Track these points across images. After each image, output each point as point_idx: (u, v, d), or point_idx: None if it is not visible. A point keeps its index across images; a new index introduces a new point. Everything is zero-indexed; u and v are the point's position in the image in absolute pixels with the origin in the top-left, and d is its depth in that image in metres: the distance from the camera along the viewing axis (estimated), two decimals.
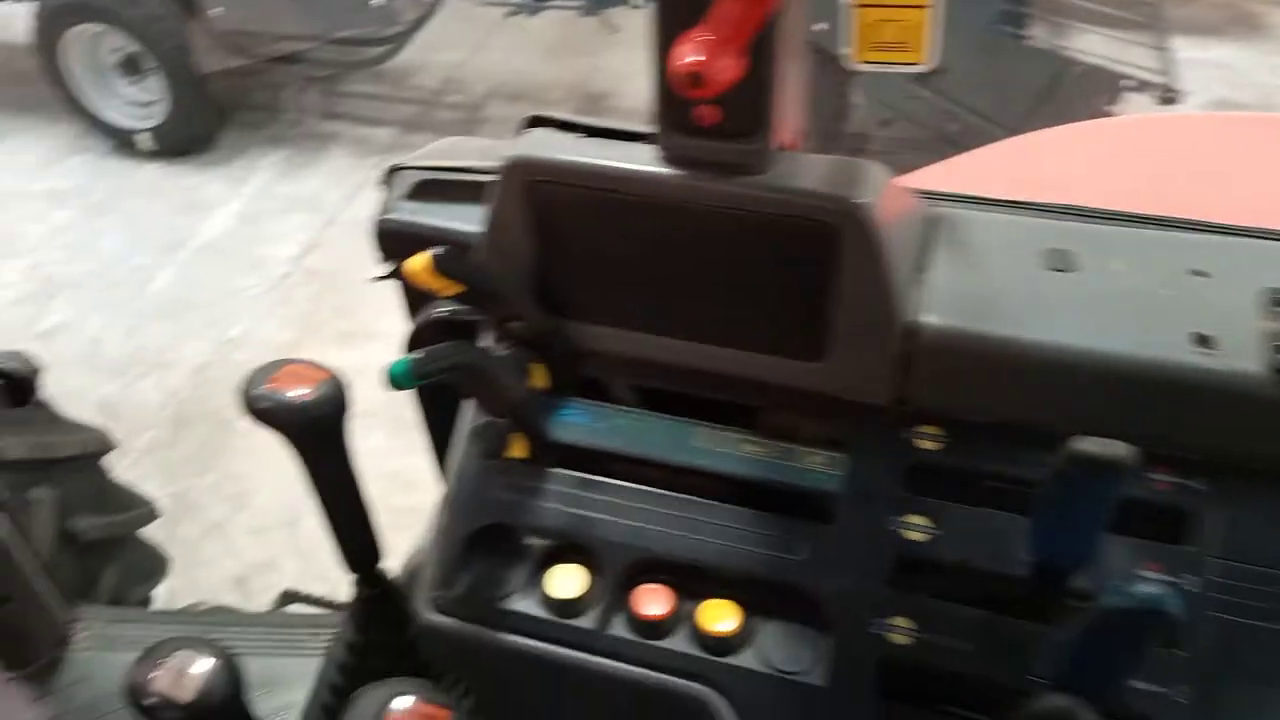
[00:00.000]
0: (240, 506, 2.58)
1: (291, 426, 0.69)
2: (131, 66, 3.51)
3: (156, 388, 2.84)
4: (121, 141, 3.60)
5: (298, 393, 0.69)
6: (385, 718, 0.55)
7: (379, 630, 0.81)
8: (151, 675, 0.64)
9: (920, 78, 2.60)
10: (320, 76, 3.65)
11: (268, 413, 0.69)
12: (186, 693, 0.63)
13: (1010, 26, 2.97)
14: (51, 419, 1.78)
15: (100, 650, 1.31)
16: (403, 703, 0.56)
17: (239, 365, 2.91)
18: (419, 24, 3.42)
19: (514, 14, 3.49)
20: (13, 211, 3.47)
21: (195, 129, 3.58)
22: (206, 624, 1.35)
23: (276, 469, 2.60)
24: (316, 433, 0.70)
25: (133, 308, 3.08)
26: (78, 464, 1.82)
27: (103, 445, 1.89)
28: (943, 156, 1.27)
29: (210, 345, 2.97)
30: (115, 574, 1.90)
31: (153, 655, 0.65)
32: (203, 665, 0.64)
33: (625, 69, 3.94)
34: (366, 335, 2.96)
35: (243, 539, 2.53)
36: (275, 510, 2.54)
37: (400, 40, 3.42)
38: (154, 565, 2.06)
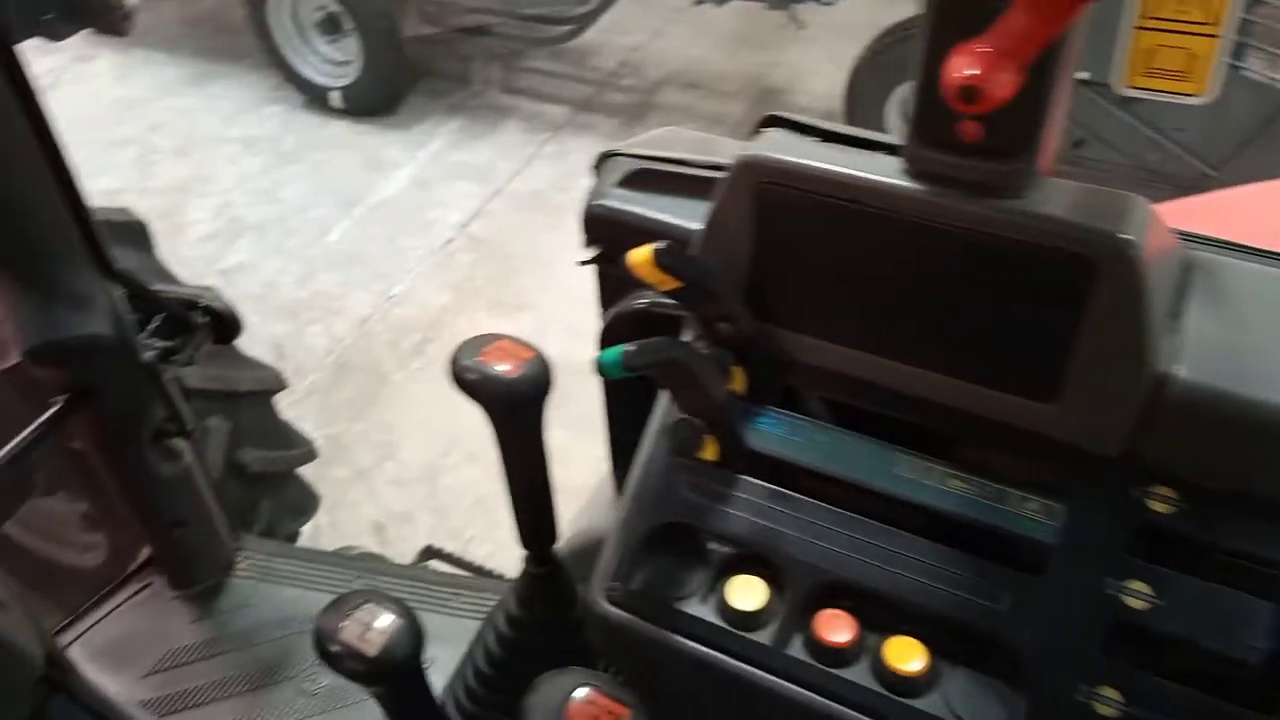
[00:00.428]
0: (386, 456, 2.69)
1: (493, 401, 0.70)
2: (332, 26, 3.68)
3: (323, 334, 2.98)
4: (314, 97, 3.78)
5: (503, 368, 0.70)
6: (567, 706, 0.55)
7: (543, 608, 0.82)
8: (340, 625, 0.66)
9: (1125, 101, 2.45)
10: (505, 51, 3.74)
11: (473, 384, 0.70)
12: (372, 647, 0.64)
13: (1227, 56, 2.76)
14: (233, 354, 1.89)
15: (260, 580, 1.38)
16: (584, 694, 0.56)
17: (398, 321, 3.03)
18: (606, 5, 3.46)
19: (701, 1, 3.47)
20: (209, 153, 3.71)
21: (383, 92, 3.73)
22: (359, 570, 1.40)
23: (423, 425, 2.70)
24: (516, 409, 0.70)
25: (308, 255, 3.24)
26: (252, 399, 1.93)
27: (276, 384, 1.99)
28: (1138, 186, 1.18)
29: (374, 299, 3.10)
30: (271, 506, 2.01)
31: (341, 605, 0.67)
32: (388, 622, 0.66)
33: (805, 66, 3.88)
34: (519, 306, 3.03)
35: (385, 488, 2.63)
36: (418, 465, 2.64)
37: (586, 20, 3.46)
38: (307, 502, 2.17)
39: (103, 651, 1.29)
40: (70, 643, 1.31)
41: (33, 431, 1.07)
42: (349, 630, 0.66)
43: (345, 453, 2.69)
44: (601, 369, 0.62)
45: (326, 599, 1.37)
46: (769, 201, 0.64)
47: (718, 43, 4.12)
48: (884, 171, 0.60)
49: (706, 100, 3.83)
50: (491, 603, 1.33)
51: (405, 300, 3.10)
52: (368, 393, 2.85)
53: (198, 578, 1.35)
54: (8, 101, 0.89)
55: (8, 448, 1.05)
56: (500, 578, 1.68)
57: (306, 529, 2.21)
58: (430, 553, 1.76)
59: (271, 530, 1.96)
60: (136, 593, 1.36)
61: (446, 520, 2.54)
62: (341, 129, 3.76)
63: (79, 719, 1.13)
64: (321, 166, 3.59)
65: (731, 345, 0.69)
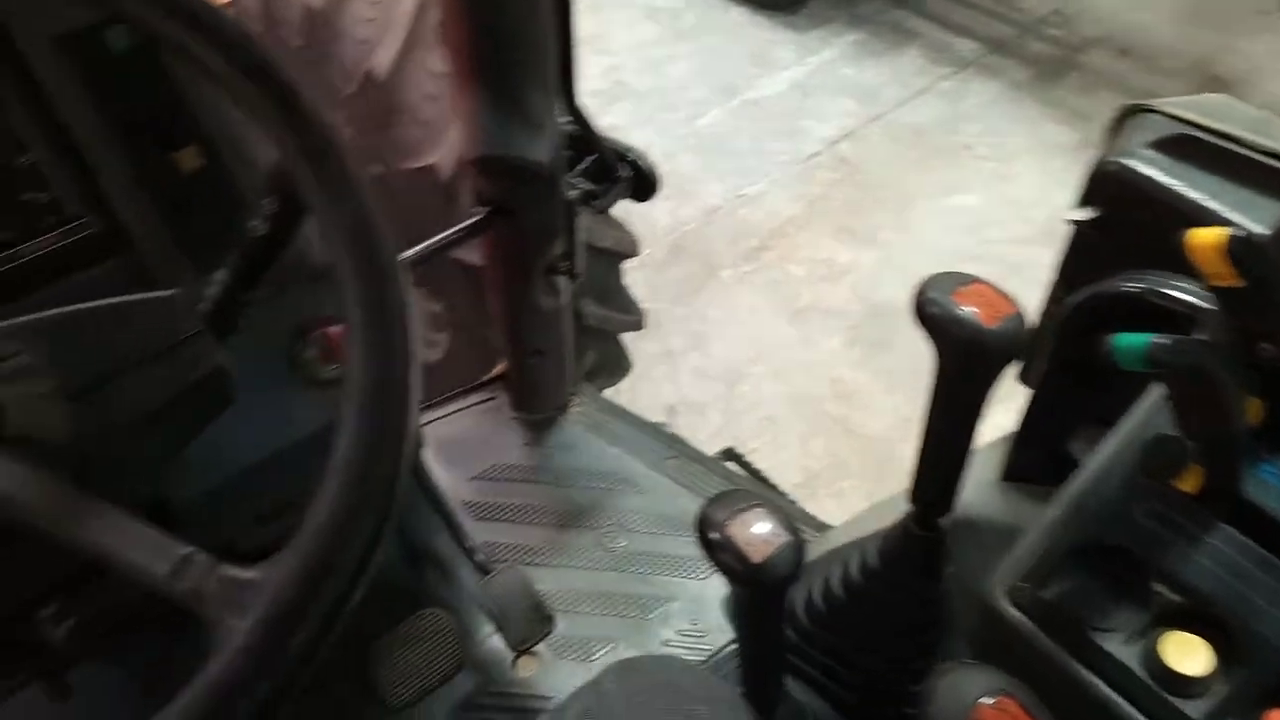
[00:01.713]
0: (696, 346, 2.72)
1: (951, 344, 0.64)
2: None
3: (669, 213, 3.03)
4: None
5: (973, 312, 0.63)
6: (977, 708, 0.49)
7: (905, 571, 0.76)
8: (727, 520, 0.64)
9: None
10: None
11: (933, 320, 0.64)
12: (757, 553, 0.62)
13: None
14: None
15: (587, 429, 1.44)
16: (998, 701, 0.50)
17: (743, 220, 3.02)
18: None
19: None
20: (613, 14, 3.81)
21: None
22: (675, 452, 1.42)
23: (738, 328, 2.70)
24: (972, 361, 0.63)
25: (677, 134, 3.28)
26: (607, 257, 1.99)
27: (631, 249, 2.04)
28: None
29: (725, 192, 3.09)
30: (591, 362, 2.09)
31: (731, 500, 0.65)
32: (775, 536, 0.63)
33: (1268, 62, 3.33)
34: (864, 239, 2.91)
35: (686, 375, 2.67)
36: (723, 363, 2.65)
37: None
38: (621, 366, 2.24)
39: (441, 444, 1.41)
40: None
41: (452, 234, 1.14)
42: (736, 528, 0.63)
43: (659, 330, 2.75)
44: (1118, 354, 0.53)
45: (641, 467, 1.40)
46: None
47: (1170, 12, 3.62)
48: None
49: (1139, 73, 3.39)
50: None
51: (755, 202, 3.07)
52: (695, 280, 2.88)
53: (537, 407, 1.43)
54: None
55: (430, 242, 1.13)
56: (794, 504, 1.65)
57: (608, 391, 2.30)
58: (731, 455, 1.76)
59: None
60: (481, 403, 1.46)
61: (734, 425, 2.54)
62: (740, 17, 3.73)
63: (413, 497, 1.24)
64: (712, 50, 3.59)
65: (1266, 370, 0.58)
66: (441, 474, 1.34)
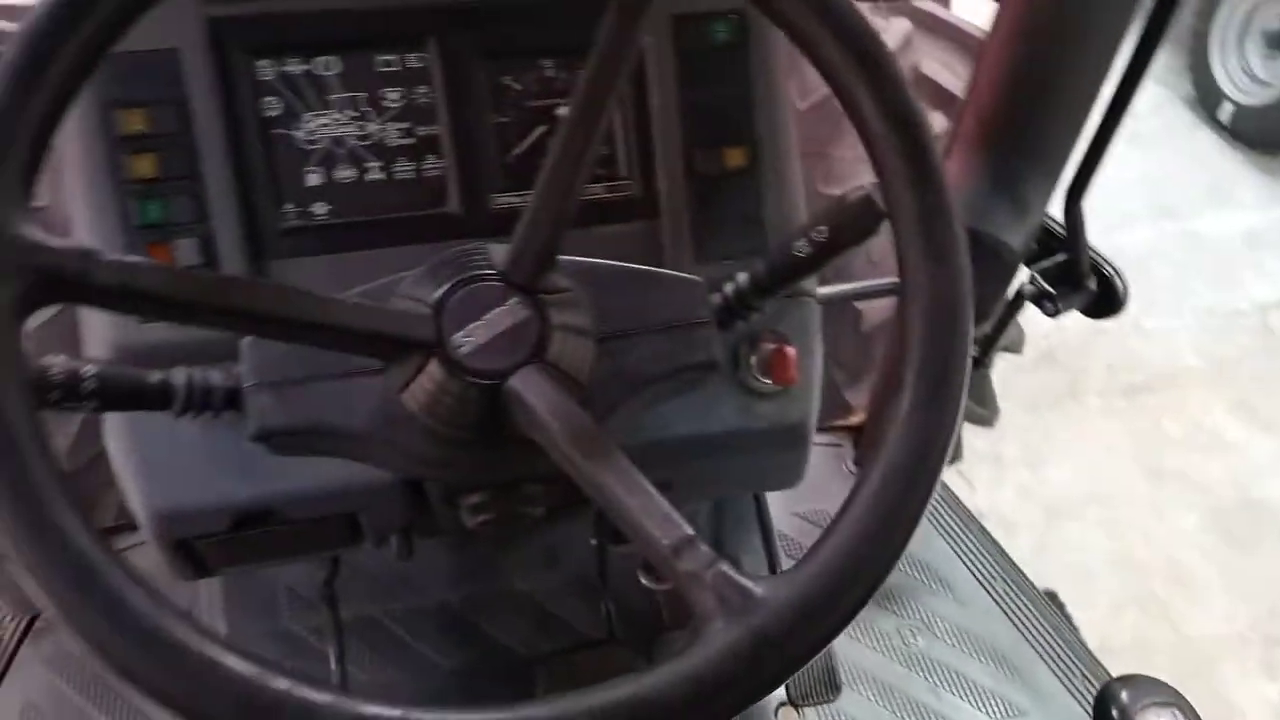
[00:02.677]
0: (1030, 463, 2.55)
1: None
2: (1275, 41, 3.25)
3: (1046, 319, 2.84)
4: (1205, 96, 3.43)
5: None
6: None
7: None
8: (1138, 708, 0.58)
9: None
10: None
11: None
12: None
13: None
14: None
15: (928, 517, 1.38)
16: None
17: (1131, 351, 2.76)
18: None
19: None
20: None
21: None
22: (1002, 573, 1.32)
23: (1083, 463, 2.48)
24: None
25: (1091, 240, 3.06)
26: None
27: (1016, 345, 1.93)
28: None
29: (1124, 317, 2.84)
30: None
31: (1145, 688, 0.59)
32: None
33: None
34: (1263, 423, 2.57)
35: (1008, 488, 2.51)
36: (1052, 491, 2.45)
37: None
38: (952, 455, 2.15)
39: None
40: None
41: (877, 285, 1.13)
42: None
43: (996, 433, 2.59)
44: None
45: (965, 574, 1.32)
46: None
47: None
48: None
49: None
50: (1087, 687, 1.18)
51: (1152, 338, 2.80)
52: (1054, 395, 2.69)
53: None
54: None
55: (854, 286, 1.11)
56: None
57: None
58: (1053, 598, 1.61)
59: None
60: (824, 445, 1.44)
61: (1043, 560, 2.34)
62: (1208, 141, 3.39)
63: (744, 507, 1.26)
64: (1165, 166, 3.29)
65: None
66: (771, 496, 1.34)
